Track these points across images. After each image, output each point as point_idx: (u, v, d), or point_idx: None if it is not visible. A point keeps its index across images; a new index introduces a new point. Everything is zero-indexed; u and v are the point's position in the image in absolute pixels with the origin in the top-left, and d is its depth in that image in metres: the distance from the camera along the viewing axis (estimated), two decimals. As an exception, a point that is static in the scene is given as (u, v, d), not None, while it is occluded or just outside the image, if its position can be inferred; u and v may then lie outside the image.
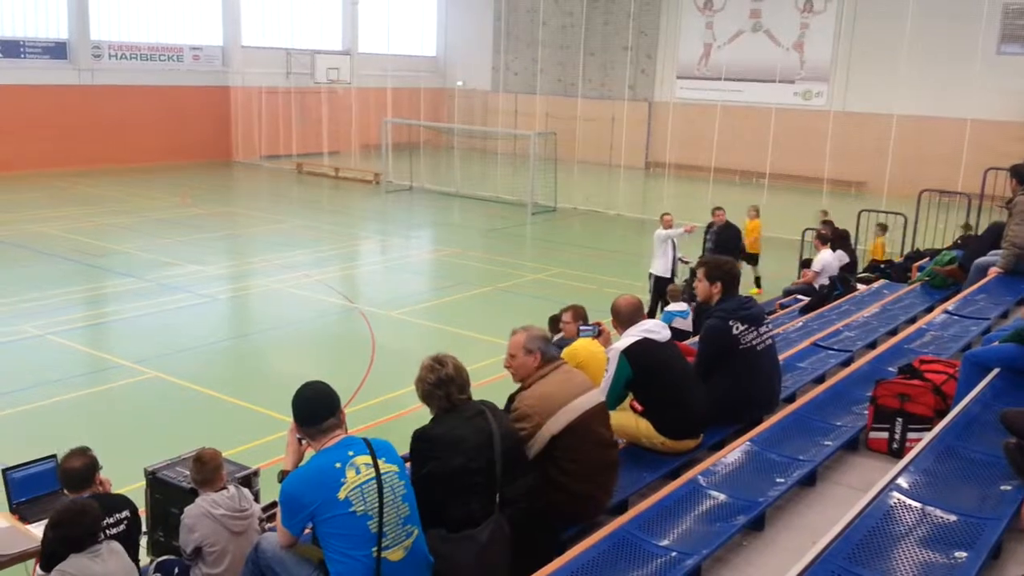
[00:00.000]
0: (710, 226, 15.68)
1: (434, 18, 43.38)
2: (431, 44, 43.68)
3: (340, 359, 13.54)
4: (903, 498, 4.10)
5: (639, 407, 5.65)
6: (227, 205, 26.43)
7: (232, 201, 27.60)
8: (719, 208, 15.69)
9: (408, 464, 4.26)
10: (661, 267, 14.44)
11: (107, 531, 4.80)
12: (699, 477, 4.83)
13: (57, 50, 30.34)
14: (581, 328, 7.06)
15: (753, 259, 16.91)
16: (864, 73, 32.12)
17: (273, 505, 6.20)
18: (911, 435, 5.43)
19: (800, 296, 12.71)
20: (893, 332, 8.57)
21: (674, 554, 4.08)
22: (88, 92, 30.63)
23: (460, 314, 15.55)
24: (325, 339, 14.27)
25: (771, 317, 10.39)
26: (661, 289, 14.04)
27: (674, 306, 12.12)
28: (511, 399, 4.85)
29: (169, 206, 25.03)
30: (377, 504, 3.76)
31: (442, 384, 4.27)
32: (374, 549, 3.74)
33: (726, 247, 14.63)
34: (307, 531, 3.92)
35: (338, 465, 3.79)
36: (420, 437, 4.24)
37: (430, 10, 43.17)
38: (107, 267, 17.78)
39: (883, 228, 16.75)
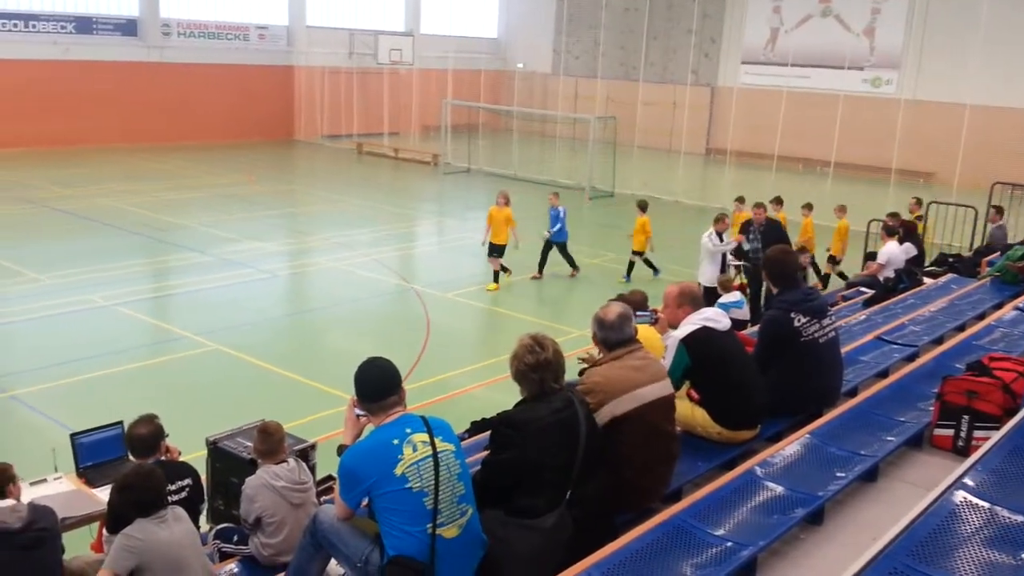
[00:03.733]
0: (748, 224, 14.19)
1: (496, 0, 43.28)
2: (492, 26, 43.60)
3: (395, 338, 13.65)
4: (970, 497, 4.00)
5: (696, 396, 5.60)
6: (288, 183, 26.79)
7: (293, 179, 27.95)
8: (760, 205, 14.20)
9: (463, 444, 4.26)
10: (709, 275, 13.51)
11: (169, 497, 4.91)
12: (756, 468, 4.77)
13: (128, 27, 30.96)
14: (638, 314, 7.00)
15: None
16: (936, 61, 31.24)
17: (328, 479, 6.30)
18: (977, 433, 5.30)
19: (864, 288, 12.43)
20: (961, 328, 8.36)
21: (729, 544, 4.04)
22: (157, 69, 31.22)
23: (514, 297, 15.56)
24: (381, 318, 14.40)
25: (833, 309, 10.20)
26: (709, 301, 13.38)
27: (728, 296, 11.93)
28: (581, 372, 4.82)
29: (232, 183, 25.44)
30: (433, 482, 3.79)
31: (538, 368, 4.17)
32: (429, 525, 3.77)
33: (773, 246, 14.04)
34: (364, 505, 3.96)
35: (396, 442, 3.82)
36: (506, 421, 4.19)
37: (492, -8, 43.12)
38: (172, 241, 18.16)
39: (809, 208, 16.36)
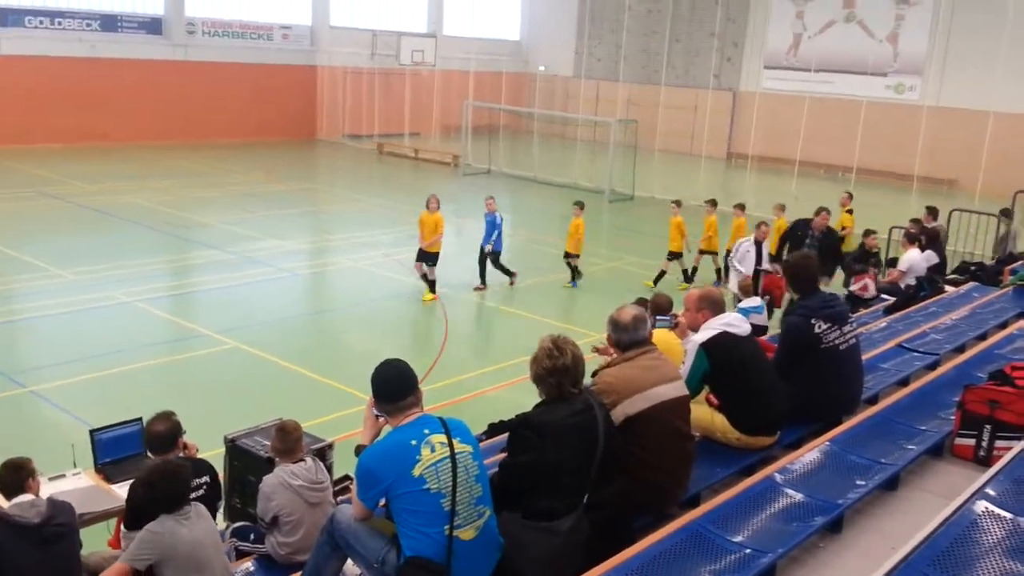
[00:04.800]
0: (805, 228, 13.53)
1: (518, 2, 43.30)
2: (514, 28, 43.62)
3: (414, 338, 13.70)
4: (992, 507, 3.96)
5: (715, 401, 5.58)
6: (309, 182, 26.90)
7: (314, 178, 28.07)
8: (824, 209, 13.73)
9: (481, 445, 4.25)
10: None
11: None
12: (776, 475, 4.75)
13: (153, 25, 31.19)
14: (658, 318, 6.99)
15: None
16: (960, 68, 30.96)
17: (345, 478, 6.32)
18: (999, 443, 5.25)
19: (885, 296, 12.35)
20: (983, 336, 8.29)
21: (748, 551, 4.02)
22: (181, 67, 31.43)
23: (533, 299, 15.55)
24: (400, 318, 14.43)
25: (853, 316, 10.13)
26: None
27: (748, 301, 11.80)
28: (594, 373, 4.81)
29: (254, 181, 25.58)
30: (451, 483, 3.79)
31: (556, 373, 4.19)
32: (446, 527, 3.77)
33: (830, 254, 13.29)
34: (381, 505, 3.97)
35: (413, 443, 3.82)
36: (524, 423, 4.19)
37: (515, -6, 43.14)
38: (193, 238, 18.28)
39: (713, 204, 16.58)
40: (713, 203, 16.74)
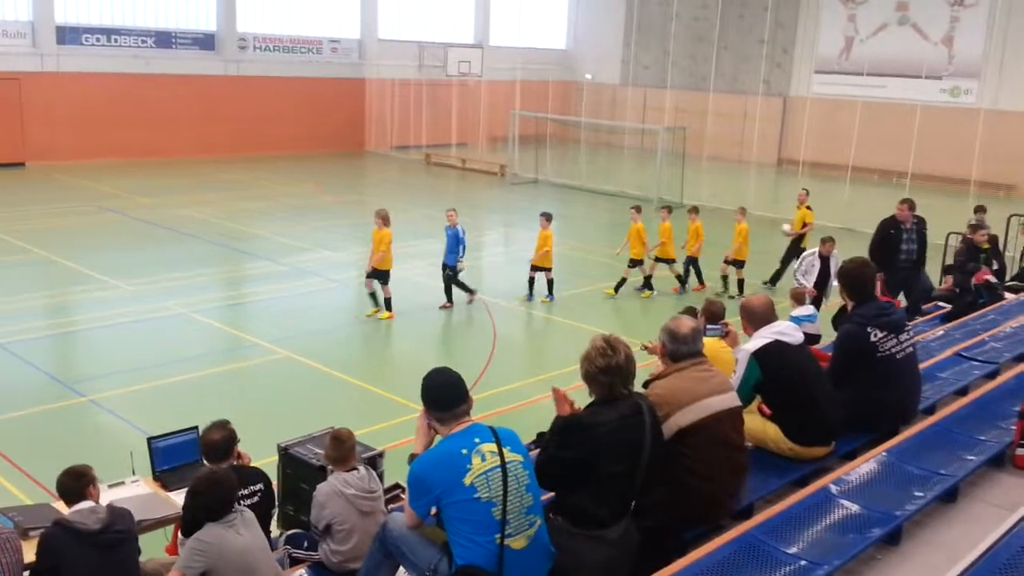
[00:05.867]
0: (897, 224, 12.37)
1: (564, 11, 43.37)
2: (560, 37, 43.68)
3: (462, 347, 13.74)
4: (1056, 521, 3.85)
5: (767, 410, 5.51)
6: (358, 193, 27.19)
7: (363, 190, 28.36)
8: (906, 201, 12.61)
9: (531, 454, 4.25)
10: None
11: (241, 502, 5.00)
12: (831, 486, 4.67)
13: (206, 41, 31.83)
14: (708, 327, 6.92)
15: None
16: (1017, 70, 30.30)
17: (395, 487, 6.36)
18: (1063, 454, 5.10)
19: (942, 304, 12.08)
20: (1045, 345, 8.07)
21: (803, 563, 3.96)
22: (233, 82, 32.01)
23: (580, 309, 15.51)
24: (448, 327, 14.49)
25: (910, 324, 9.93)
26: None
27: (800, 310, 11.61)
28: (645, 385, 4.78)
29: (304, 193, 25.93)
30: (501, 492, 3.79)
31: (609, 371, 4.16)
32: (497, 536, 3.77)
33: (925, 245, 12.52)
34: (433, 513, 3.98)
35: (464, 451, 3.84)
36: (572, 421, 4.19)
37: (560, 3, 43.17)
38: (245, 250, 18.57)
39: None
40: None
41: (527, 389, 11.50)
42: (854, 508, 4.48)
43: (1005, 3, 30.26)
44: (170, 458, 6.44)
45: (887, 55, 32.92)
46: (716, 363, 5.86)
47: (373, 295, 14.27)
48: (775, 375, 5.36)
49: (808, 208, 16.84)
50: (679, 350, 4.81)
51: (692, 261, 16.38)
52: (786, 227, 17.10)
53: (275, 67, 33.14)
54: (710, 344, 6.36)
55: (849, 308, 6.21)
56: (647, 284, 16.27)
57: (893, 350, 5.81)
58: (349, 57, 35.58)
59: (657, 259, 16.33)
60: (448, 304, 14.96)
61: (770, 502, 4.76)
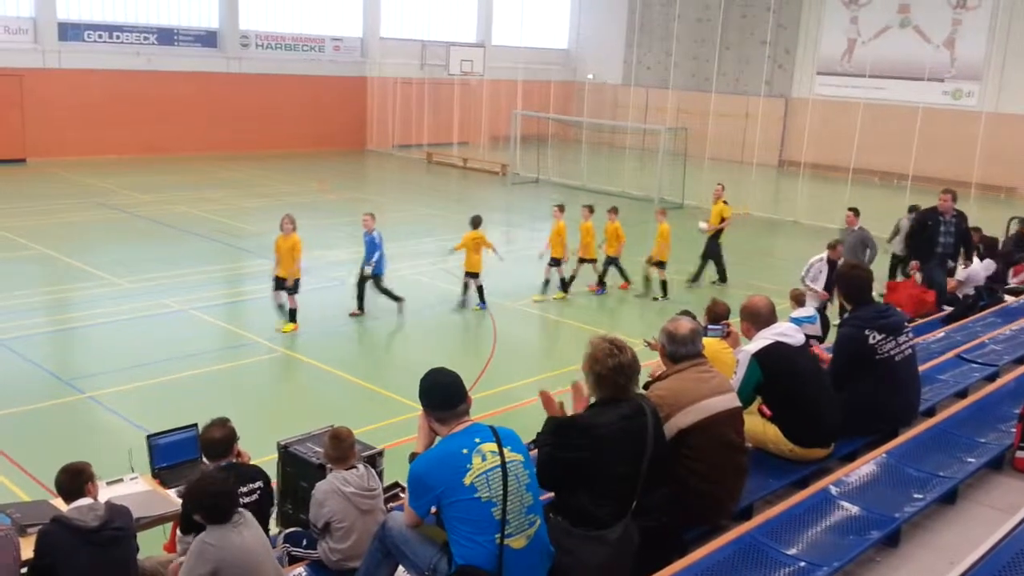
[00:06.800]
0: (930, 215, 12.07)
1: (567, 11, 43.36)
2: (563, 37, 43.68)
3: (462, 347, 13.73)
4: (1056, 524, 3.85)
5: (768, 412, 5.51)
6: (359, 192, 27.17)
7: (364, 188, 28.35)
8: (948, 191, 12.25)
9: (532, 449, 4.24)
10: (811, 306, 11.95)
11: (241, 500, 5.00)
12: (831, 487, 4.67)
13: (208, 38, 31.82)
14: (709, 327, 6.92)
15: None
16: (1019, 73, 30.31)
17: (394, 486, 6.35)
18: (1063, 457, 5.10)
19: (946, 306, 12.07)
20: (1045, 347, 8.07)
21: (803, 564, 3.96)
22: (235, 80, 32.00)
23: (580, 309, 15.51)
24: (448, 326, 14.48)
25: (910, 326, 9.93)
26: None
27: (801, 311, 11.55)
28: (646, 386, 4.78)
29: (304, 191, 25.91)
30: (501, 492, 3.79)
31: (621, 371, 4.11)
32: (497, 536, 3.77)
33: (964, 238, 12.23)
34: (433, 512, 3.98)
35: (465, 451, 3.83)
36: (571, 422, 4.18)
37: (563, 3, 43.16)
38: (245, 248, 18.57)
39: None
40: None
41: (527, 389, 11.45)
42: (854, 510, 4.48)
43: (1007, 6, 30.25)
44: (169, 455, 6.44)
45: (889, 57, 32.89)
46: (717, 363, 5.88)
47: (283, 308, 13.35)
48: (776, 376, 5.37)
49: (725, 203, 16.92)
50: (678, 351, 4.81)
51: (612, 261, 16.18)
52: (703, 224, 17.07)
53: (277, 65, 33.12)
54: (711, 344, 6.36)
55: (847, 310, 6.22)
56: (565, 286, 15.95)
57: (892, 352, 5.81)
58: (351, 55, 35.57)
59: (581, 260, 16.14)
60: (358, 311, 14.11)
61: (770, 503, 4.76)
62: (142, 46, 30.05)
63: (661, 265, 15.98)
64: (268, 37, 33.17)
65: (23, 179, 25.26)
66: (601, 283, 16.29)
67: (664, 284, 16.01)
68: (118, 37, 29.65)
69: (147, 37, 30.26)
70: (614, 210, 16.27)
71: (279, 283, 13.26)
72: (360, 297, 14.19)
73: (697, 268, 16.94)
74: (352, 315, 14.13)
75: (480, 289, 14.98)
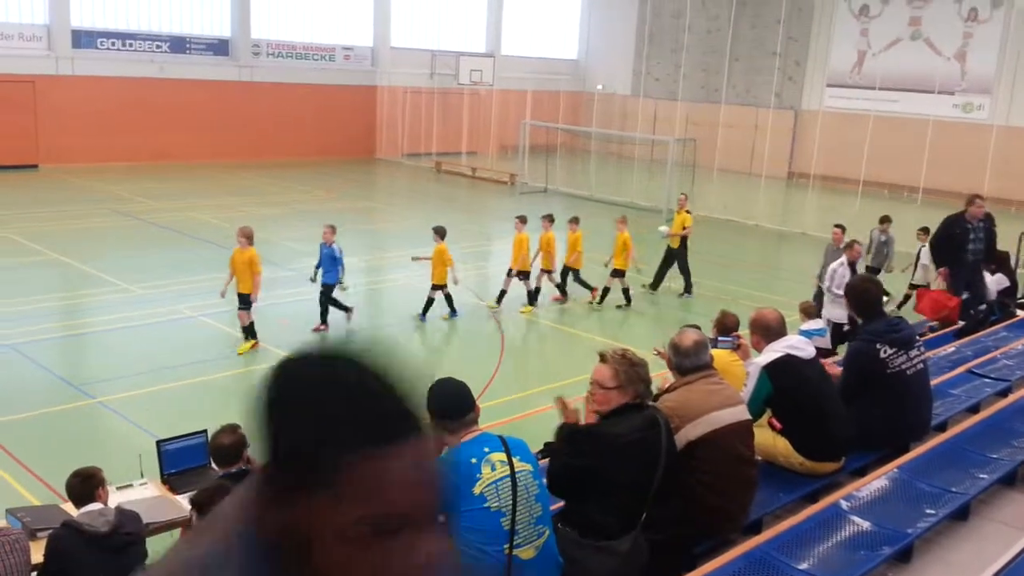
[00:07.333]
0: (962, 221, 11.52)
1: (576, 22, 43.44)
2: (572, 48, 43.75)
3: (470, 356, 13.71)
4: (1070, 541, 3.82)
5: (778, 425, 5.49)
6: (368, 200, 27.24)
7: (373, 196, 28.40)
8: (977, 196, 11.80)
9: (542, 460, 4.23)
10: (838, 314, 12.04)
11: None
12: (842, 502, 4.65)
13: (220, 47, 31.98)
14: (720, 339, 6.90)
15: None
16: (1031, 86, 30.24)
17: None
18: (1077, 474, 5.07)
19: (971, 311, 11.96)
20: (1057, 363, 8.02)
21: (813, 579, 3.93)
22: (247, 88, 32.14)
23: (588, 319, 15.50)
24: (455, 335, 14.50)
25: (921, 340, 9.89)
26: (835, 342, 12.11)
27: (810, 323, 11.53)
28: (656, 398, 4.77)
29: (315, 199, 25.98)
30: (511, 501, 3.78)
31: (643, 382, 4.20)
32: (506, 546, 3.76)
33: (994, 241, 12.02)
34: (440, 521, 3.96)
35: (474, 460, 3.82)
36: (587, 432, 4.18)
37: (573, 14, 43.25)
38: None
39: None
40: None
41: (535, 398, 11.45)
42: (865, 525, 4.45)
43: (1018, 19, 30.20)
44: (179, 461, 6.45)
45: (900, 70, 32.85)
46: (727, 376, 5.86)
47: (250, 327, 12.64)
48: (786, 389, 5.35)
49: (687, 212, 16.97)
50: (683, 363, 4.81)
51: (571, 271, 16.03)
52: (664, 228, 17.06)
53: (288, 73, 33.26)
54: (721, 356, 6.34)
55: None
56: (531, 299, 15.77)
57: (903, 366, 5.79)
58: (362, 64, 35.69)
59: (543, 271, 15.99)
60: (323, 326, 13.52)
61: (780, 517, 4.74)
62: (155, 54, 30.21)
63: (619, 274, 15.76)
64: (279, 46, 33.31)
65: (35, 185, 25.39)
66: (562, 291, 16.15)
67: (626, 292, 15.82)
68: (131, 45, 29.82)
69: (160, 45, 30.43)
70: (575, 220, 16.12)
71: (244, 300, 12.46)
72: (324, 313, 13.66)
73: (656, 275, 16.86)
74: (315, 330, 13.34)
75: (448, 297, 14.69)
